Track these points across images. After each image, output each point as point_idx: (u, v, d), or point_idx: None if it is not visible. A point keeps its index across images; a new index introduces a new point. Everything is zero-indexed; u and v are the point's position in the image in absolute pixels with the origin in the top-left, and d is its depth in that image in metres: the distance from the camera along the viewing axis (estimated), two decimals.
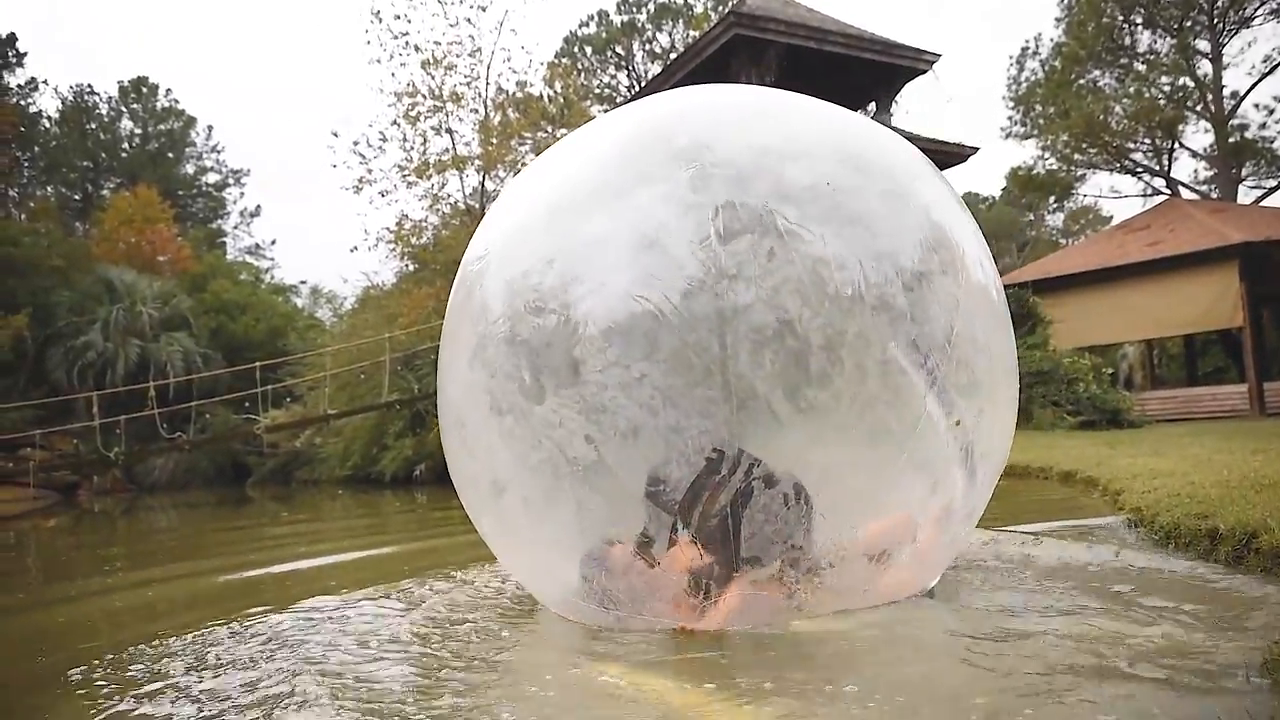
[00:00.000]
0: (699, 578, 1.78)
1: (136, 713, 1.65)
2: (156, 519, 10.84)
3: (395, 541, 5.17)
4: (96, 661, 2.03)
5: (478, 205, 17.84)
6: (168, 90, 40.04)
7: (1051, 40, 28.85)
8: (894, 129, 16.19)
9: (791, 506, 1.72)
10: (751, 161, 1.77)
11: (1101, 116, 25.73)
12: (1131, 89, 26.72)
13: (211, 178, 40.92)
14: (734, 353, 1.66)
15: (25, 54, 28.78)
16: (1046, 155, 29.33)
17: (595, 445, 1.69)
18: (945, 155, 16.50)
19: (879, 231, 1.74)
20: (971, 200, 42.65)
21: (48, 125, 35.90)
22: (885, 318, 1.73)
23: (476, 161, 18.11)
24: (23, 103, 31.20)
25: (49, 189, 35.96)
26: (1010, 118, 29.87)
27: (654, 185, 1.76)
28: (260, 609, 2.53)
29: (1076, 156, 28.45)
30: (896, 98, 17.22)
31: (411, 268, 19.56)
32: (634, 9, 32.93)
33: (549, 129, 18.29)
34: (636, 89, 29.26)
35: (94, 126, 38.18)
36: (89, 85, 38.51)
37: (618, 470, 1.69)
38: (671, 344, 1.65)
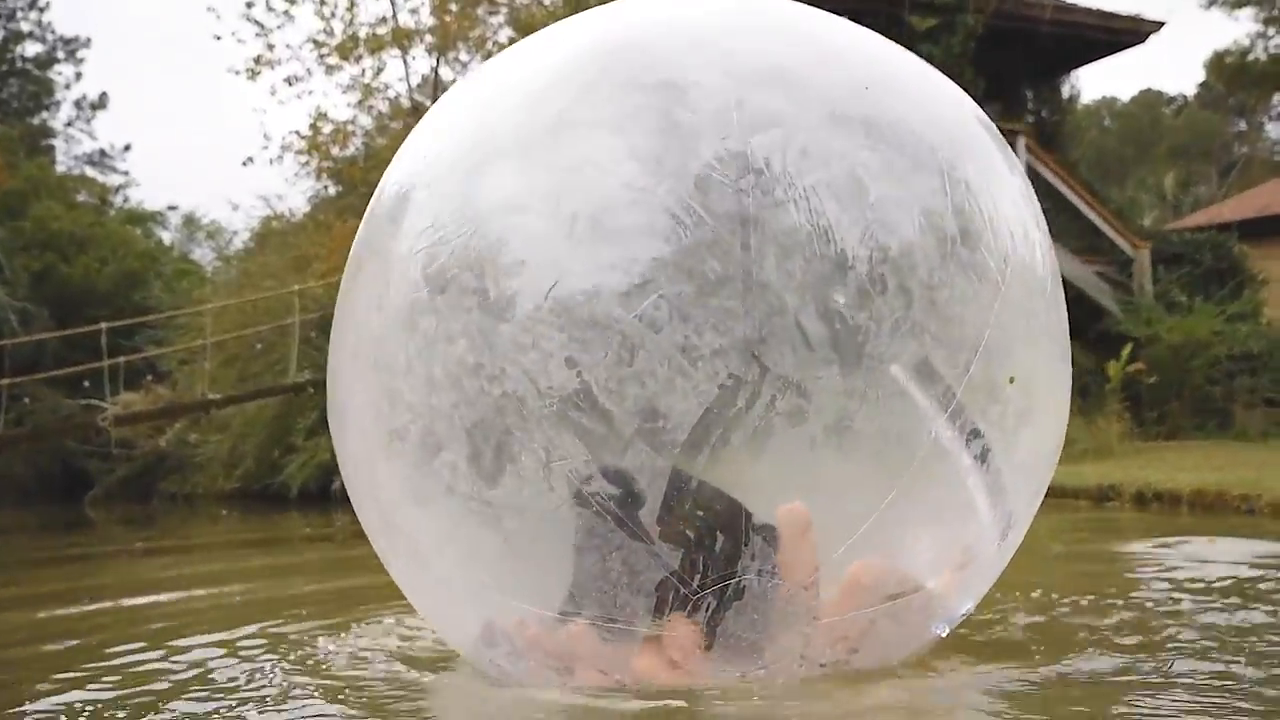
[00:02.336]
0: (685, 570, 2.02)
1: None
2: None
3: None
4: None
5: (428, 101, 18.03)
6: None
7: None
8: None
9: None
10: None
11: None
12: None
13: (30, 49, 41.08)
14: (759, 256, 1.93)
15: None
16: (1271, 32, 29.16)
17: (580, 370, 1.91)
18: (1114, 33, 16.57)
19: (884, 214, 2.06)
20: (1152, 101, 42.45)
21: None
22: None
23: (427, 38, 18.27)
24: None
25: None
26: None
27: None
28: None
29: None
30: None
31: (332, 190, 19.80)
32: None
33: None
34: None
35: None
36: None
37: (606, 402, 1.92)
38: (685, 244, 1.93)
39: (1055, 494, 7.56)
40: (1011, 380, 2.14)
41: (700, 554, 2.03)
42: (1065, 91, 18.72)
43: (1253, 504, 6.02)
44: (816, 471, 2.00)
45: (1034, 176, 14.15)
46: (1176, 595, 3.25)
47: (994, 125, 2.39)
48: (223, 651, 2.95)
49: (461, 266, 2.10)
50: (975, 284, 2.07)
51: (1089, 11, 16.29)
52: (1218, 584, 3.53)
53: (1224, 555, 4.38)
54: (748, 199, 1.98)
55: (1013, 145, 13.69)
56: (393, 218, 2.32)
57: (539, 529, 2.05)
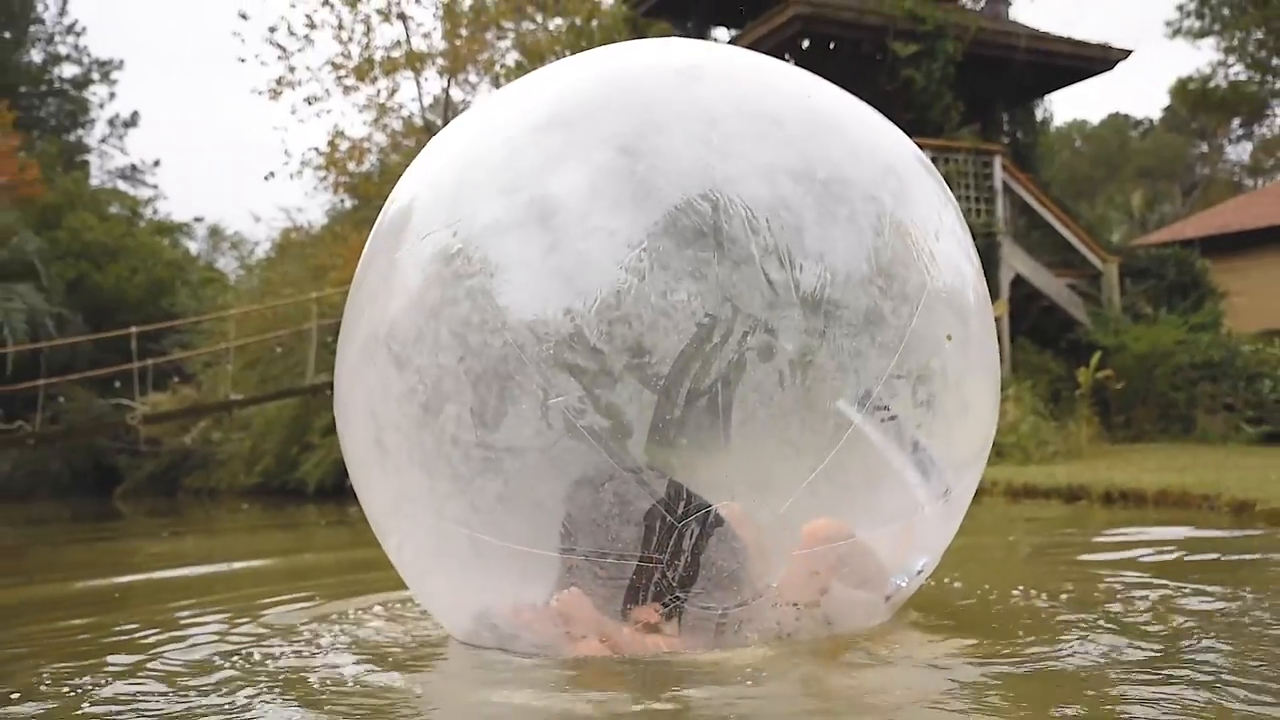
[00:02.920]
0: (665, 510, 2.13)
1: None
2: None
3: None
4: None
5: (440, 120, 18.07)
6: None
7: None
8: (1014, 24, 16.28)
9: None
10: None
11: None
12: None
13: (68, 70, 41.19)
14: (727, 215, 2.14)
15: None
16: (1231, 60, 29.27)
17: (573, 316, 2.10)
18: (1085, 60, 16.62)
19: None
20: (1120, 124, 42.55)
21: None
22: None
23: (439, 61, 18.31)
24: None
25: None
26: (1181, 7, 29.82)
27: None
28: None
29: (1276, 62, 28.37)
30: None
31: (348, 203, 19.84)
32: None
33: (538, 18, 18.44)
34: None
35: None
36: None
37: (597, 342, 2.09)
38: (661, 204, 2.15)
39: (1028, 493, 7.64)
40: (949, 338, 2.30)
41: (684, 481, 2.10)
42: (1039, 115, 18.78)
43: (1213, 503, 6.08)
44: (769, 433, 2.14)
45: (1009, 195, 14.20)
46: (1132, 578, 3.28)
47: (931, 163, 2.62)
48: (219, 631, 3.00)
49: (465, 243, 2.24)
50: (908, 283, 2.25)
51: (1061, 40, 16.34)
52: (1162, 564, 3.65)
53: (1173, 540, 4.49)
54: (715, 170, 2.17)
55: (989, 165, 13.61)
56: (397, 228, 2.46)
57: (537, 469, 2.16)
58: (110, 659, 2.63)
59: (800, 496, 2.18)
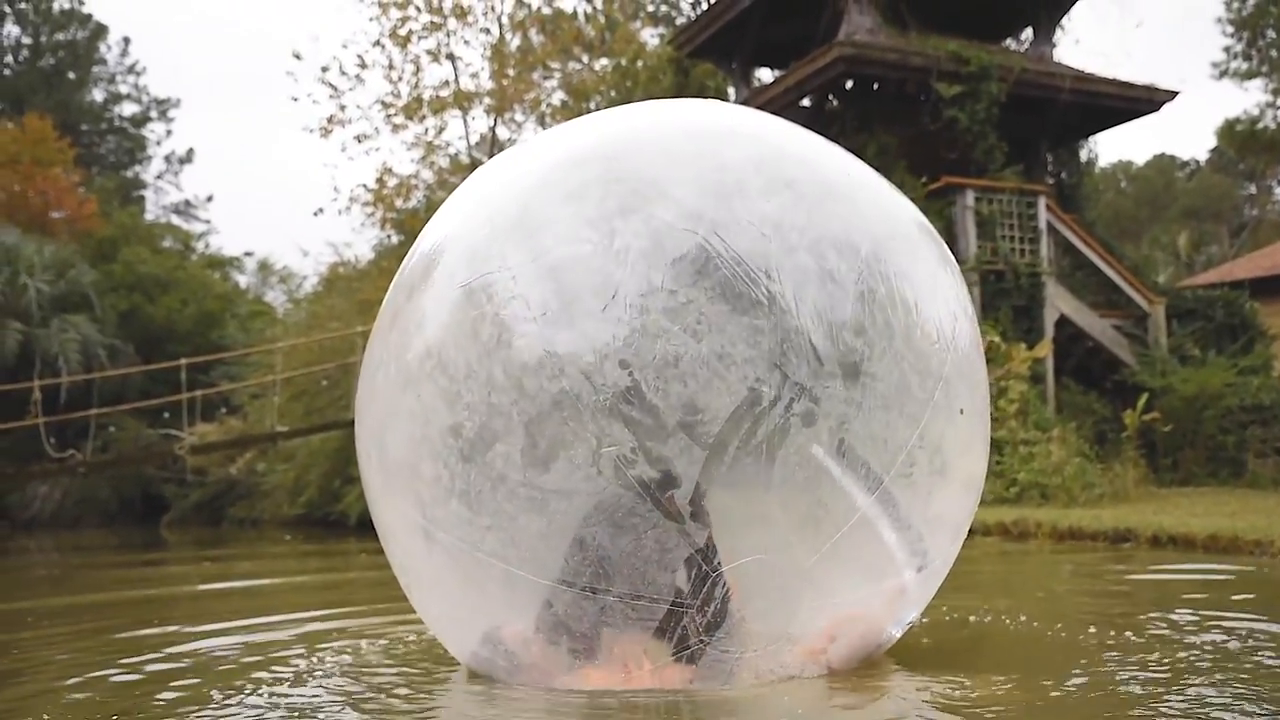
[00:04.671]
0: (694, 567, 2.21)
1: None
2: None
3: None
4: None
5: (485, 159, 18.29)
6: None
7: None
8: (1059, 65, 16.21)
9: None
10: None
11: None
12: None
13: (127, 109, 42.25)
14: (780, 286, 2.25)
15: None
16: (1279, 101, 28.94)
17: (631, 370, 2.18)
18: (1130, 101, 16.50)
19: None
20: (1166, 165, 42.11)
21: None
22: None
23: (486, 100, 18.57)
24: None
25: None
26: (1228, 49, 29.57)
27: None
28: None
29: None
30: (1063, 20, 17.28)
31: (395, 239, 20.06)
32: None
33: (584, 59, 18.66)
34: (699, 4, 29.49)
35: None
36: None
37: (653, 399, 2.17)
38: (721, 273, 2.25)
39: (1074, 536, 7.49)
40: (962, 411, 2.45)
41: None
42: (1084, 155, 18.63)
43: (1265, 549, 5.92)
44: (803, 493, 2.25)
45: (1054, 235, 14.08)
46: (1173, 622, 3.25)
47: (931, 226, 2.75)
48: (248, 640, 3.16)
49: (526, 289, 2.30)
50: (920, 359, 2.39)
51: (1107, 81, 16.23)
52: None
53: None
54: (770, 243, 2.29)
55: (1034, 206, 13.54)
56: (442, 262, 2.51)
57: (582, 511, 2.23)
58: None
59: (823, 552, 2.29)
